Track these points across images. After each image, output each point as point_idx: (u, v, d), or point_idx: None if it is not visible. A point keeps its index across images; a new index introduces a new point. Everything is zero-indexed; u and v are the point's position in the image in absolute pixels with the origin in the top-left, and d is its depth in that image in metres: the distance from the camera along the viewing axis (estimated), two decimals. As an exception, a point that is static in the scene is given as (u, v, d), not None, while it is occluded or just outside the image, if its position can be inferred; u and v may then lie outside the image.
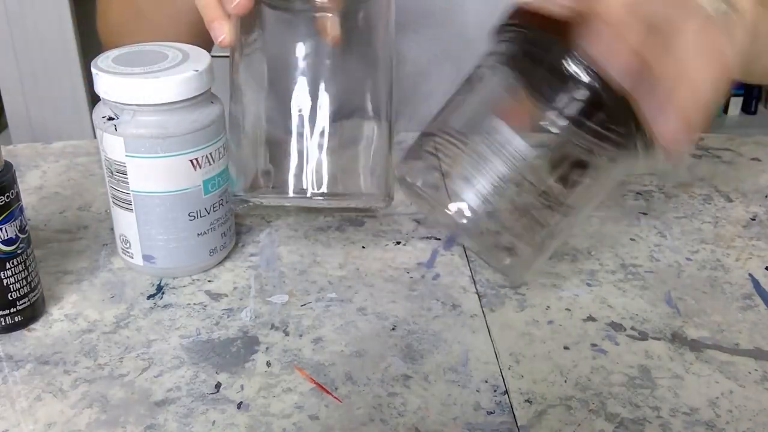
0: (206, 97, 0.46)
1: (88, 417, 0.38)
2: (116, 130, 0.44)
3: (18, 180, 0.43)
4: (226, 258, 0.51)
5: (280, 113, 0.49)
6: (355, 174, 0.49)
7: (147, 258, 0.48)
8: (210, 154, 0.46)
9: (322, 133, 0.48)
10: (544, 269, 0.50)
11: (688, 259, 0.51)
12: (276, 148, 0.49)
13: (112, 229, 0.54)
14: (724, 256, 0.52)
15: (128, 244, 0.48)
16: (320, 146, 0.48)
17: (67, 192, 0.58)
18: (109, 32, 0.71)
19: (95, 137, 0.48)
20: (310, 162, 0.48)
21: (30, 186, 0.59)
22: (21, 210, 0.43)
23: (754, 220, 0.56)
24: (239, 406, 0.39)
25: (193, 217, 0.47)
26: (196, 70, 0.44)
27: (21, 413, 0.39)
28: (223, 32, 0.49)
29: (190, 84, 0.44)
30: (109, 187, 0.47)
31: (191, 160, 0.46)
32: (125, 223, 0.47)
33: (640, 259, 0.51)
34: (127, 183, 0.46)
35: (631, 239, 0.53)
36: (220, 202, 0.48)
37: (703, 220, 0.56)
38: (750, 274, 0.50)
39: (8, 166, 0.42)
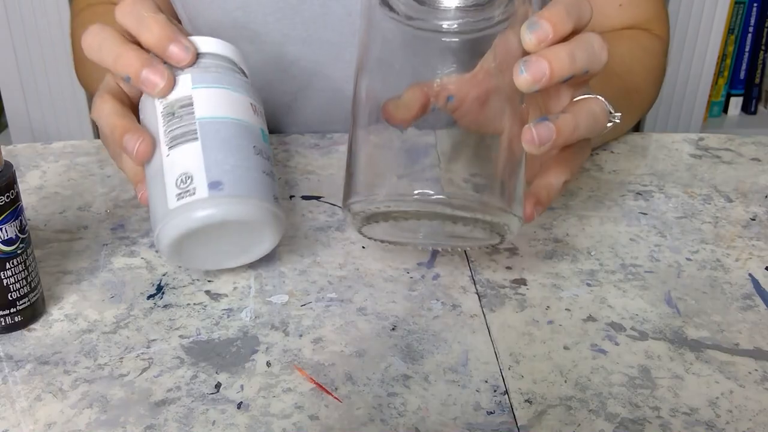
0: None
1: (88, 417, 0.38)
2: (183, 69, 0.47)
3: (18, 180, 0.43)
4: (226, 258, 0.51)
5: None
6: (486, 184, 0.45)
7: (214, 185, 0.43)
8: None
9: (445, 136, 0.45)
10: (544, 270, 0.50)
11: (688, 259, 0.51)
12: (391, 152, 0.46)
13: (112, 229, 0.54)
14: (724, 256, 0.52)
15: (189, 180, 0.44)
16: (443, 150, 0.44)
17: (67, 192, 0.58)
18: (88, 81, 0.72)
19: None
20: (438, 166, 0.44)
21: (30, 186, 0.59)
22: (21, 210, 0.43)
23: (754, 220, 0.56)
24: (239, 406, 0.39)
25: (258, 152, 0.46)
26: None
27: (21, 413, 0.39)
28: (141, 146, 0.46)
29: None
30: (166, 133, 0.45)
31: (251, 104, 0.47)
32: (187, 157, 0.44)
33: (640, 259, 0.51)
34: (192, 114, 0.45)
35: (631, 239, 0.53)
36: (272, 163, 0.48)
37: (703, 220, 0.56)
38: (750, 274, 0.50)
39: (8, 166, 0.42)
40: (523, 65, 0.42)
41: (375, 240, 0.46)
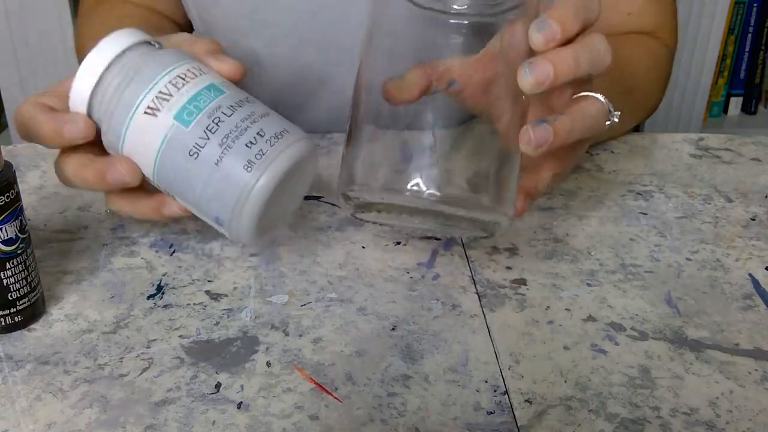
0: None
1: (88, 417, 0.38)
2: None
3: (18, 180, 0.43)
4: (225, 258, 0.51)
5: (394, 108, 0.46)
6: (480, 182, 0.45)
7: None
8: None
9: (442, 134, 0.44)
10: (544, 270, 0.50)
11: (688, 259, 0.51)
12: (389, 145, 0.46)
13: (112, 229, 0.54)
14: (724, 256, 0.52)
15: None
16: (439, 147, 0.44)
17: (67, 192, 0.58)
18: None
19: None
20: (433, 163, 0.44)
21: (30, 186, 0.59)
22: (21, 210, 0.43)
23: (754, 220, 0.56)
24: (239, 406, 0.39)
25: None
26: None
27: (21, 413, 0.39)
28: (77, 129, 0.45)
29: None
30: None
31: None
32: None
33: (640, 259, 0.51)
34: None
35: (631, 239, 0.53)
36: None
37: (703, 220, 0.56)
38: (750, 274, 0.50)
39: (8, 166, 0.42)
40: (528, 67, 0.42)
41: (367, 222, 0.47)
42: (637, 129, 0.81)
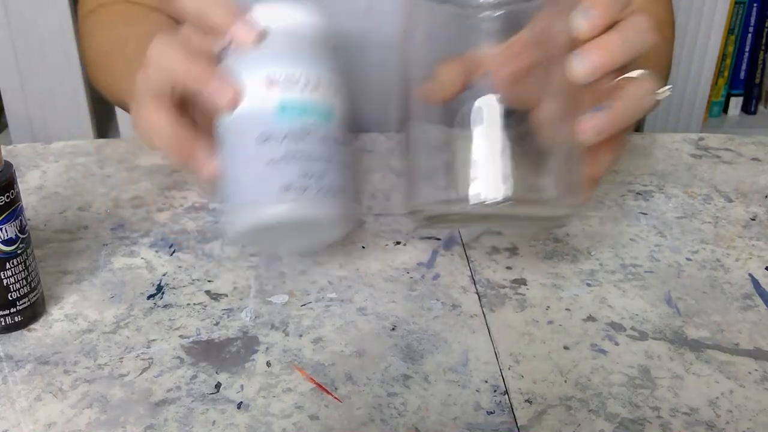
0: None
1: (88, 417, 0.38)
2: None
3: (18, 180, 0.43)
4: (225, 258, 0.51)
5: (441, 111, 0.45)
6: (540, 176, 0.44)
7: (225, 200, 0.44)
8: None
9: (498, 130, 0.43)
10: (544, 270, 0.50)
11: (688, 259, 0.51)
12: (446, 152, 0.45)
13: (112, 229, 0.54)
14: (724, 256, 0.52)
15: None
16: (496, 144, 0.43)
17: (67, 192, 0.58)
18: (109, 83, 0.71)
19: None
20: (488, 163, 0.42)
21: (30, 186, 0.59)
22: (21, 210, 0.43)
23: (754, 220, 0.56)
24: (239, 406, 0.39)
25: (264, 139, 0.43)
26: None
27: (21, 413, 0.39)
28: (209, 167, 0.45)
29: None
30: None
31: (266, 75, 0.44)
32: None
33: (640, 259, 0.51)
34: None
35: (631, 239, 0.53)
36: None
37: (703, 220, 0.56)
38: (750, 274, 0.50)
39: (8, 166, 0.42)
40: (580, 57, 0.42)
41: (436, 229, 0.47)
42: (637, 129, 0.81)
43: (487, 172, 0.42)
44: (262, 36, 0.44)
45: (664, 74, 0.66)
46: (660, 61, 0.61)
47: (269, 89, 0.43)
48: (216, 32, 0.45)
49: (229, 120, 0.44)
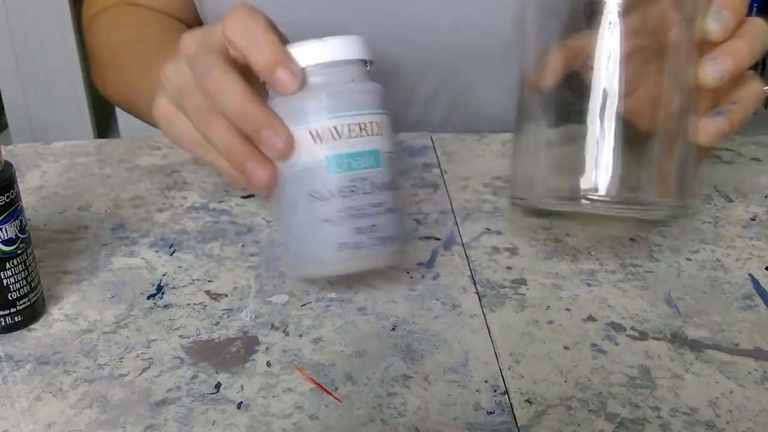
0: None
1: (88, 417, 0.38)
2: None
3: (18, 180, 0.43)
4: (225, 258, 0.51)
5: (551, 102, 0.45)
6: (651, 176, 0.44)
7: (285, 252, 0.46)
8: None
9: (611, 126, 0.43)
10: (544, 270, 0.50)
11: (688, 259, 0.51)
12: (556, 146, 0.45)
13: (112, 229, 0.54)
14: (724, 256, 0.52)
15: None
16: (610, 141, 0.43)
17: (67, 192, 0.58)
18: (119, 89, 0.70)
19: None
20: (602, 161, 0.43)
21: (30, 186, 0.59)
22: (21, 210, 0.43)
23: (754, 220, 0.56)
24: (239, 406, 0.39)
25: (315, 197, 0.44)
26: None
27: (21, 413, 0.39)
28: (264, 174, 0.43)
29: None
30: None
31: (309, 132, 0.43)
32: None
33: (640, 259, 0.51)
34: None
35: (631, 239, 0.53)
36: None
37: (703, 220, 0.56)
38: (750, 274, 0.50)
39: (8, 166, 0.42)
40: (712, 62, 0.44)
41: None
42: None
43: (600, 170, 0.43)
44: (302, 84, 0.43)
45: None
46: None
47: (314, 144, 0.43)
48: (258, 71, 0.44)
49: (282, 166, 0.44)
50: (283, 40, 0.44)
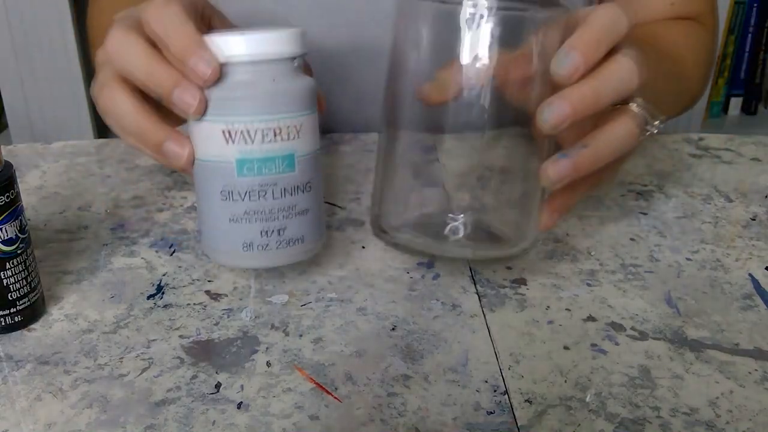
0: None
1: (88, 417, 0.38)
2: None
3: (18, 180, 0.43)
4: (226, 258, 0.51)
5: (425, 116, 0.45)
6: (511, 214, 0.45)
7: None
8: None
9: (474, 158, 0.43)
10: (544, 270, 0.50)
11: (688, 259, 0.51)
12: (416, 177, 0.45)
13: (112, 229, 0.54)
14: (724, 256, 0.52)
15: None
16: (468, 177, 0.43)
17: (67, 192, 0.58)
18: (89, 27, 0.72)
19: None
20: (456, 198, 0.44)
21: (30, 186, 0.59)
22: (21, 210, 0.43)
23: (754, 220, 0.56)
24: (239, 406, 0.39)
25: (225, 195, 0.44)
26: None
27: (21, 413, 0.39)
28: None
29: None
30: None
31: (222, 131, 0.43)
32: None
33: (640, 259, 0.51)
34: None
35: (631, 239, 0.53)
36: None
37: (703, 220, 0.56)
38: (750, 274, 0.50)
39: (8, 166, 0.42)
40: (547, 109, 0.41)
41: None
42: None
43: (455, 214, 0.45)
44: (217, 74, 0.42)
45: (669, 102, 0.61)
46: (658, 95, 0.58)
47: (226, 144, 0.43)
48: (176, 60, 0.43)
49: (196, 162, 0.44)
50: (228, 27, 0.45)
